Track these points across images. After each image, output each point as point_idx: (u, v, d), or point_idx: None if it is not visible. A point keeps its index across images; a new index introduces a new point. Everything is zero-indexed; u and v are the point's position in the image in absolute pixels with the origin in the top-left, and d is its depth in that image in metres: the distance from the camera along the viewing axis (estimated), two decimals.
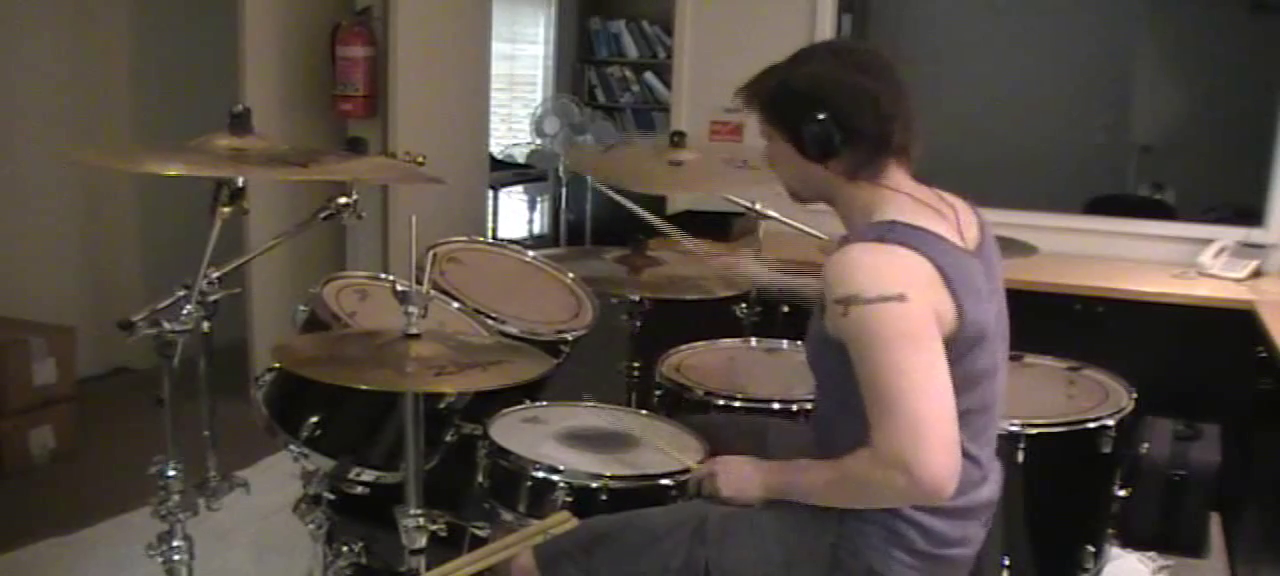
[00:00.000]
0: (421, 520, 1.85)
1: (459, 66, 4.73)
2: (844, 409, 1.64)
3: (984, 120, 5.47)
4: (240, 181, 1.89)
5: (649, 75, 7.87)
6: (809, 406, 2.19)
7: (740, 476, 1.79)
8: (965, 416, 1.63)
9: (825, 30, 4.17)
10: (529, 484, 1.92)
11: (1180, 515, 3.13)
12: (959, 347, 1.58)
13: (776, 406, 2.31)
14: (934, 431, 1.51)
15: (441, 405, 2.10)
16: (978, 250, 1.71)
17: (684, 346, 2.67)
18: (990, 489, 1.73)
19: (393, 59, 4.25)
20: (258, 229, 3.61)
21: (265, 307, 4.23)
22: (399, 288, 1.85)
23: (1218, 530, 3.27)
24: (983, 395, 1.66)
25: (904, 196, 1.67)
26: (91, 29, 4.48)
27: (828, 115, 1.64)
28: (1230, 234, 3.76)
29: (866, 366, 1.55)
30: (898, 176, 1.70)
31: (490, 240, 3.21)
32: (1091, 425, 2.33)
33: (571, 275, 2.64)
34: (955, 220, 1.69)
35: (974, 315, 1.60)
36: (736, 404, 2.31)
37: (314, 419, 2.08)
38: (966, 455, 1.65)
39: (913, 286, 1.55)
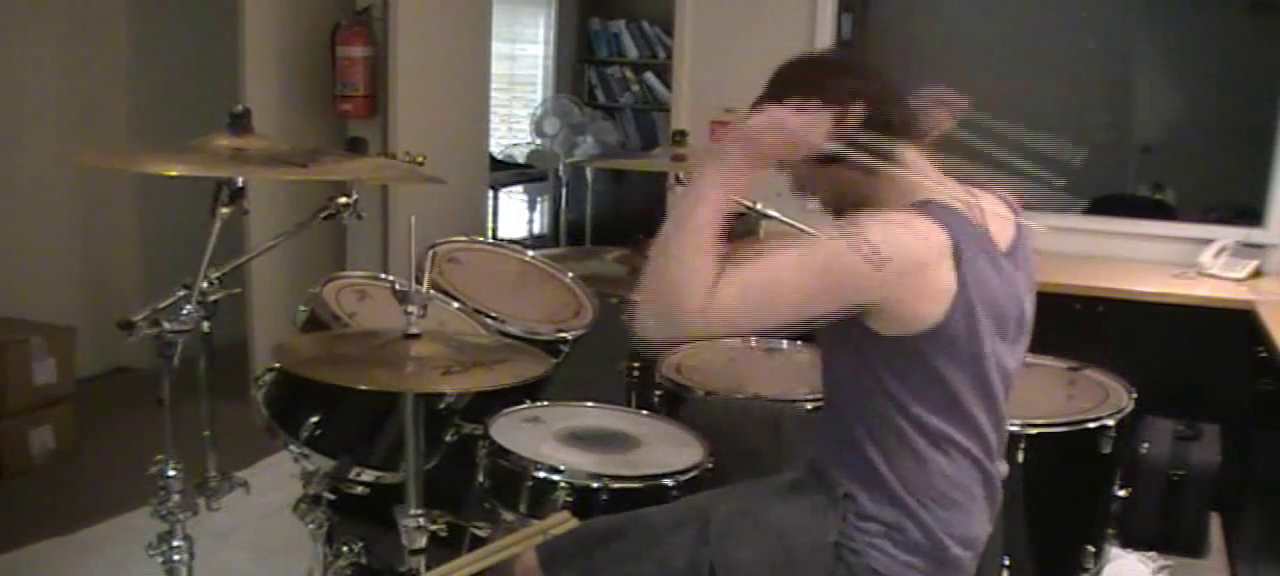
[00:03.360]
0: (421, 520, 1.85)
1: (459, 66, 4.73)
2: (855, 372, 1.63)
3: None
4: (240, 181, 1.89)
5: (649, 75, 7.86)
6: (809, 405, 2.20)
7: None
8: (970, 420, 1.63)
9: (825, 30, 4.16)
10: (530, 484, 1.93)
11: (1180, 515, 3.13)
12: (951, 328, 1.56)
13: None
14: (730, 306, 1.52)
15: (441, 405, 2.11)
16: (1010, 252, 1.70)
17: (684, 346, 2.67)
18: (994, 493, 1.72)
19: (393, 59, 4.25)
20: (258, 229, 3.61)
21: (265, 308, 4.23)
22: (399, 287, 1.85)
23: (1218, 530, 3.27)
24: (981, 389, 1.64)
25: (936, 185, 1.66)
26: (91, 29, 4.47)
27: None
28: (1230, 234, 3.75)
29: (785, 253, 1.55)
30: (918, 163, 1.68)
31: (490, 240, 3.21)
32: (1091, 425, 2.34)
33: (571, 275, 2.64)
34: (982, 217, 1.67)
35: (973, 299, 1.58)
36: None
37: (314, 419, 2.08)
38: (969, 457, 1.66)
39: (905, 265, 1.53)
